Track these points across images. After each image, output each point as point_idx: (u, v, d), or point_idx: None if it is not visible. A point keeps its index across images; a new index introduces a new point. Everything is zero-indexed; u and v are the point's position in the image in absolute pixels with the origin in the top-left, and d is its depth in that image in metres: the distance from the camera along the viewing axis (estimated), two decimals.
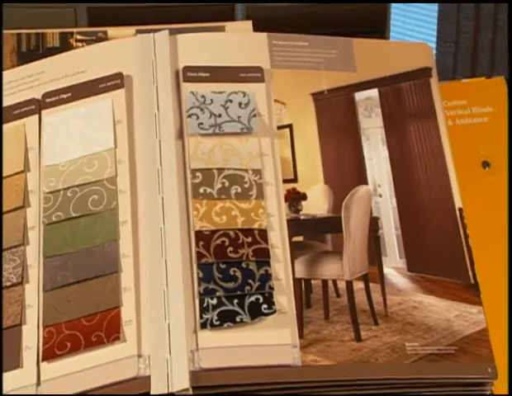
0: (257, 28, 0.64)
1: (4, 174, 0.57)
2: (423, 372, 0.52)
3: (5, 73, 0.61)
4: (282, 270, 0.54)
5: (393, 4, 1.72)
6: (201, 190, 0.55)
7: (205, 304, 0.52)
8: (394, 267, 0.57)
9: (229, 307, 0.52)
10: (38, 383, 0.50)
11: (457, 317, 0.55)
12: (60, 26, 0.70)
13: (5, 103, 0.60)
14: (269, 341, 0.51)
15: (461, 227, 0.58)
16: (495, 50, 1.75)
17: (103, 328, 0.51)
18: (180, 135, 0.57)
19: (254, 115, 0.58)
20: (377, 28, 1.59)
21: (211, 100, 0.58)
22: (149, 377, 0.49)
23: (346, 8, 1.57)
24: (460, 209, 0.59)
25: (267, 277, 0.53)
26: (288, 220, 0.55)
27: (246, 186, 0.56)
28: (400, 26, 2.10)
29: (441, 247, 0.58)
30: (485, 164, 0.67)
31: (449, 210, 0.58)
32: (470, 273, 0.57)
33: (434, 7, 1.93)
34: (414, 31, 2.08)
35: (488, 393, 0.53)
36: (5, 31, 0.67)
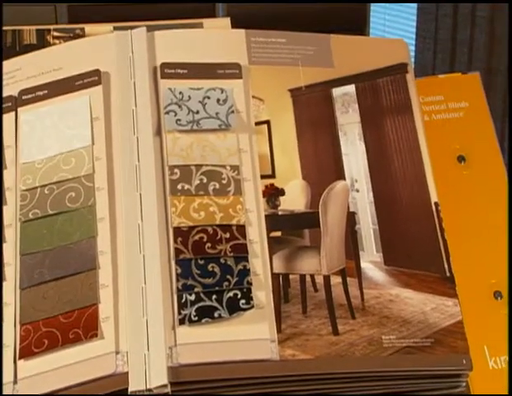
0: (237, 27, 0.64)
1: None
2: (399, 365, 0.53)
3: None
4: (260, 265, 0.54)
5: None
6: (179, 187, 0.55)
7: (183, 300, 0.52)
8: (371, 261, 0.57)
9: (208, 302, 0.52)
10: (15, 381, 0.50)
11: (433, 309, 0.55)
12: (40, 24, 0.70)
13: None
14: (247, 336, 0.51)
15: (437, 221, 0.59)
16: (473, 47, 1.77)
17: (81, 325, 0.51)
18: (158, 132, 0.57)
19: (232, 112, 0.58)
20: (357, 25, 1.60)
21: (189, 96, 0.58)
22: (127, 373, 0.49)
23: (326, 5, 1.58)
24: (436, 203, 0.59)
25: (245, 272, 0.53)
26: (266, 216, 0.55)
27: (224, 182, 0.56)
28: (380, 24, 2.11)
29: (417, 240, 0.58)
30: (461, 158, 0.68)
31: (425, 204, 0.59)
32: (445, 266, 0.57)
33: (414, 4, 1.94)
34: (393, 28, 2.10)
35: (463, 384, 0.54)
36: None
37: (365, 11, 1.59)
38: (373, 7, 1.74)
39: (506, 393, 0.57)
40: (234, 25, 0.67)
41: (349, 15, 1.60)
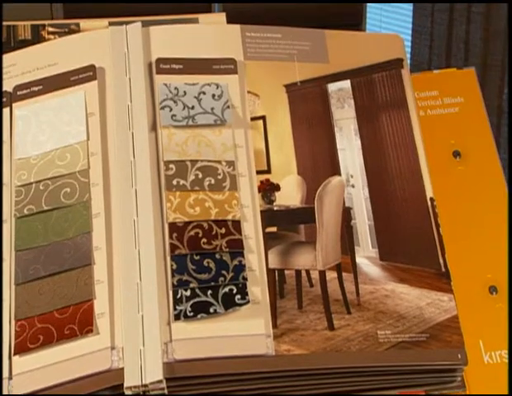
0: (233, 23, 0.64)
1: None
2: (395, 360, 0.53)
3: None
4: (256, 260, 0.54)
5: None
6: (175, 182, 0.55)
7: (178, 296, 0.52)
8: (366, 257, 0.57)
9: (203, 298, 0.52)
10: (10, 376, 0.50)
11: (429, 304, 0.55)
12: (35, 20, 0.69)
13: None
14: (243, 332, 0.51)
15: (432, 216, 0.59)
16: (469, 42, 1.77)
17: (76, 321, 0.51)
18: (153, 127, 0.57)
19: (228, 107, 0.58)
20: (353, 21, 1.59)
21: (184, 92, 0.58)
22: (122, 369, 0.49)
23: (322, 3, 1.58)
24: (431, 199, 0.59)
25: (240, 268, 0.53)
26: (262, 211, 0.55)
27: (219, 177, 0.56)
28: (377, 19, 2.11)
29: (413, 236, 0.58)
30: (456, 154, 0.68)
31: (421, 200, 0.59)
32: (441, 261, 0.57)
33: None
34: (390, 24, 2.09)
35: (458, 379, 0.54)
36: None
37: (361, 8, 1.59)
38: (369, 3, 1.73)
39: (505, 392, 0.57)
40: (230, 21, 0.67)
41: (345, 11, 1.60)
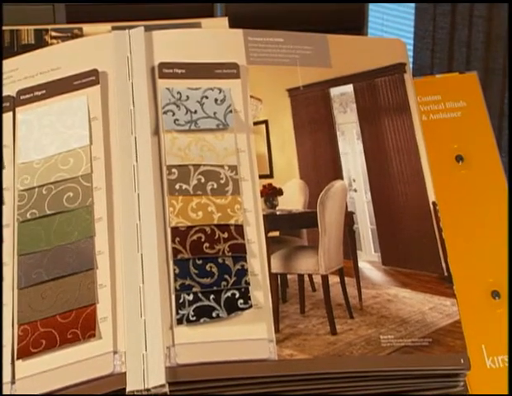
0: (235, 27, 0.64)
1: None
2: (397, 364, 0.53)
3: None
4: (259, 265, 0.54)
5: None
6: (177, 187, 0.55)
7: (181, 300, 0.52)
8: (369, 261, 0.57)
9: (206, 302, 0.52)
10: (13, 381, 0.50)
11: (431, 309, 0.55)
12: (38, 24, 0.70)
13: None
14: (245, 336, 0.51)
15: (434, 220, 0.59)
16: (471, 46, 1.77)
17: (79, 325, 0.51)
18: (156, 132, 0.57)
19: (230, 112, 0.58)
20: (355, 25, 1.60)
21: (187, 96, 0.58)
22: (124, 373, 0.49)
23: (324, 5, 1.58)
24: (434, 203, 0.59)
25: (243, 272, 0.53)
26: (264, 215, 0.56)
27: (222, 181, 0.56)
28: (379, 23, 2.11)
29: (415, 240, 0.58)
30: (459, 158, 0.68)
31: (423, 204, 0.59)
32: (443, 265, 0.57)
33: (412, 3, 1.94)
34: (392, 28, 2.10)
35: (461, 384, 0.54)
36: None
37: (363, 11, 1.59)
38: (371, 6, 1.74)
39: (506, 393, 0.57)
40: (233, 25, 0.67)
41: (347, 15, 1.60)
